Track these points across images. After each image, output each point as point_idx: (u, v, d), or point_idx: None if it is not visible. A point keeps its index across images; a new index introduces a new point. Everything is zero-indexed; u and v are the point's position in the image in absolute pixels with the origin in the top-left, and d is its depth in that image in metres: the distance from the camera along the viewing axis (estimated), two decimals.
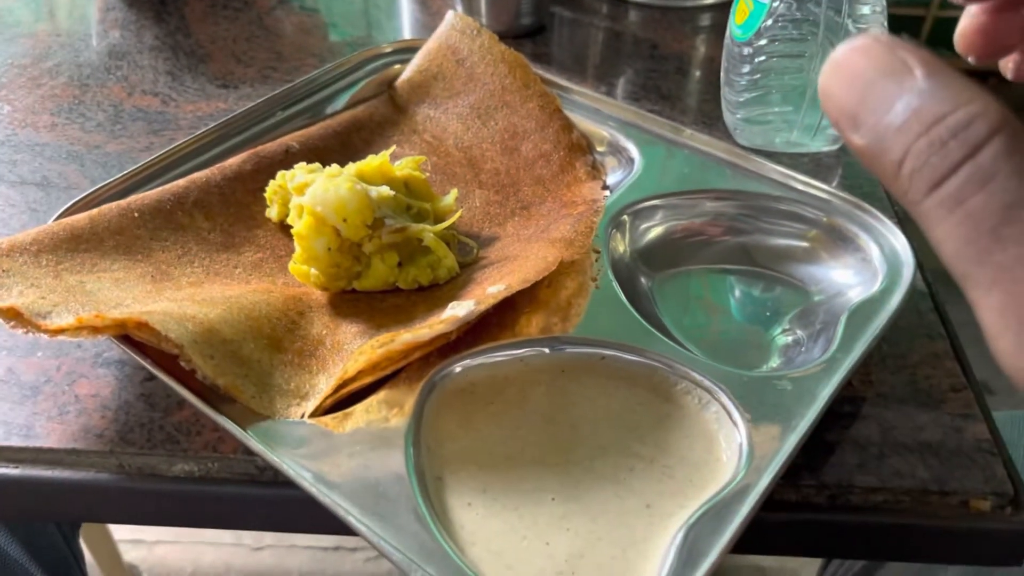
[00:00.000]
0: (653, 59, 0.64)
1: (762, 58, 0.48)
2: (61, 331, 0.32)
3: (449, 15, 0.52)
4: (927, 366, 0.39)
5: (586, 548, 0.30)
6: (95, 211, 0.40)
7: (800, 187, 0.44)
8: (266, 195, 0.43)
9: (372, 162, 0.41)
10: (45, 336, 0.33)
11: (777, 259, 0.43)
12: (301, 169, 0.41)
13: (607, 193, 0.45)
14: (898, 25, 0.36)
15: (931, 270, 0.42)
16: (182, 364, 0.33)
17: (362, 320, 0.38)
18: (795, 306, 0.41)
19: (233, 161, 0.45)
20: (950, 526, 0.34)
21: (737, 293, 0.42)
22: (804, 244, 0.43)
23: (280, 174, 0.43)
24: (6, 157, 0.52)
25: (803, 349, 0.38)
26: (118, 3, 0.71)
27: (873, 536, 0.35)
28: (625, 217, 0.43)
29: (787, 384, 0.34)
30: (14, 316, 0.33)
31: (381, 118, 0.51)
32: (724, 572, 1.00)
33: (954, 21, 0.28)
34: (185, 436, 0.35)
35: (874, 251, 0.41)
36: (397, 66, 0.53)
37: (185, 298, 0.36)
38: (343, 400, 0.34)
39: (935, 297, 0.43)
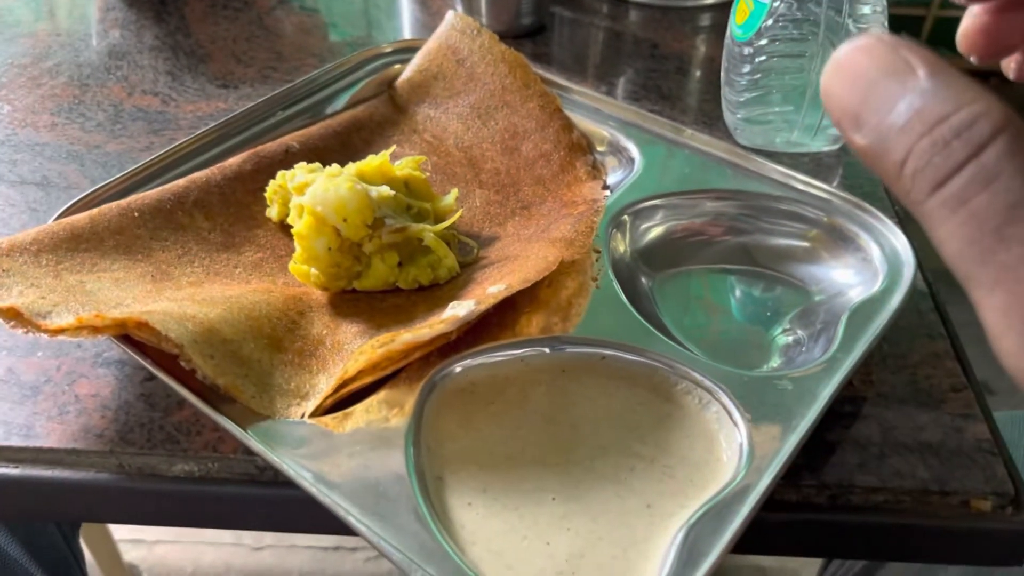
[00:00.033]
0: (653, 59, 0.64)
1: (763, 58, 0.48)
2: (61, 331, 0.32)
3: (449, 15, 0.52)
4: (928, 366, 0.39)
5: (587, 548, 0.30)
6: (95, 211, 0.40)
7: (800, 187, 0.44)
8: (266, 195, 0.43)
9: (372, 162, 0.41)
10: (45, 336, 0.33)
11: (778, 259, 0.43)
12: (301, 169, 0.41)
13: (607, 193, 0.45)
14: (899, 25, 0.36)
15: (932, 270, 0.42)
16: (182, 364, 0.33)
17: (362, 320, 0.38)
18: (796, 306, 0.41)
19: (233, 161, 0.45)
20: (951, 526, 0.34)
21: (738, 293, 0.42)
22: (805, 244, 0.43)
23: (280, 174, 0.43)
24: (6, 157, 0.52)
25: (804, 349, 0.38)
26: (118, 3, 0.70)
27: (873, 536, 0.35)
28: (625, 217, 0.43)
29: (788, 384, 0.34)
30: (14, 316, 0.33)
31: (381, 118, 0.51)
32: (724, 572, 1.00)
33: (954, 21, 0.28)
34: (185, 436, 0.35)
35: (875, 251, 0.41)
36: (397, 66, 0.53)
37: (185, 298, 0.36)
38: (343, 400, 0.34)
39: (936, 297, 0.43)
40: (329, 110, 0.51)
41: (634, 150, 0.47)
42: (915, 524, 0.34)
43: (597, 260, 0.40)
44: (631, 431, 0.34)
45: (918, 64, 0.16)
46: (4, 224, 0.46)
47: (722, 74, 0.52)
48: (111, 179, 0.43)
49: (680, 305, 0.41)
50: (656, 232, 0.44)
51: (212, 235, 0.42)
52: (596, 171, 0.47)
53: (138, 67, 0.62)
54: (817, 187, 0.43)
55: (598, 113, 0.50)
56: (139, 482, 0.35)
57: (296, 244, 0.38)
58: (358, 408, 0.33)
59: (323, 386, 0.35)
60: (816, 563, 0.67)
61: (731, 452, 0.33)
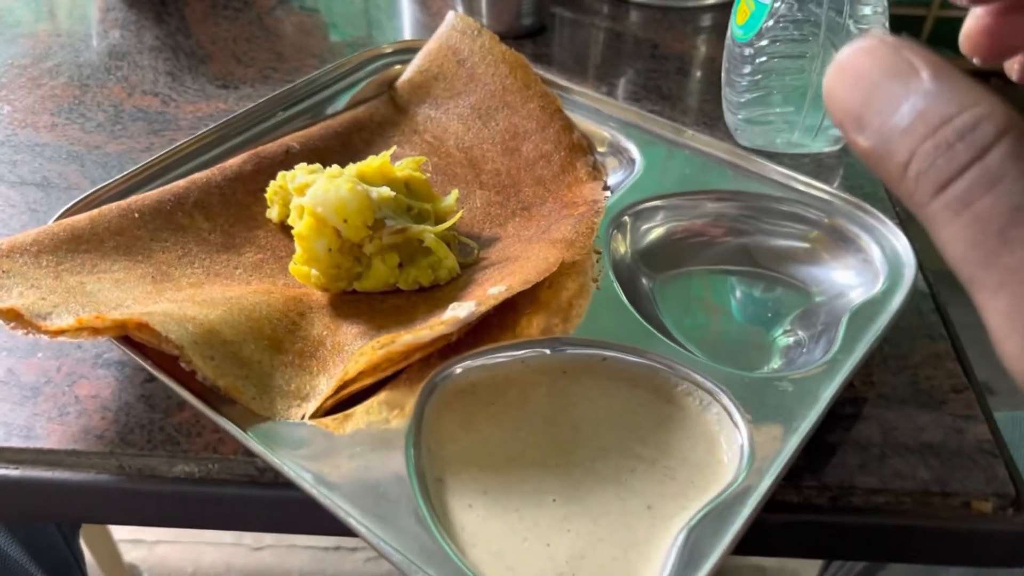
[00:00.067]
0: (654, 59, 0.64)
1: (763, 59, 0.48)
2: (61, 332, 0.32)
3: (450, 15, 0.52)
4: (928, 367, 0.39)
5: (587, 549, 0.30)
6: (95, 212, 0.40)
7: (801, 188, 0.44)
8: (267, 196, 0.43)
9: (373, 163, 0.41)
10: (45, 337, 0.33)
11: (778, 260, 0.43)
12: (302, 170, 0.41)
13: (608, 194, 0.45)
14: (899, 25, 0.36)
15: (932, 271, 0.42)
16: (182, 365, 0.33)
17: (363, 321, 0.38)
18: (796, 307, 0.41)
19: (234, 162, 0.45)
20: (951, 527, 0.34)
21: (738, 294, 0.42)
22: (805, 245, 0.43)
23: (281, 175, 0.43)
24: (6, 157, 0.52)
25: (804, 350, 0.38)
26: (118, 3, 0.70)
27: (874, 537, 0.35)
28: (626, 218, 0.43)
29: (788, 385, 0.34)
30: (14, 317, 0.33)
31: (382, 119, 0.51)
32: (725, 573, 1.00)
33: (955, 21, 0.28)
34: (185, 437, 0.35)
35: (875, 252, 0.41)
36: (398, 66, 0.53)
37: (185, 299, 0.36)
38: (344, 401, 0.34)
39: (936, 298, 0.43)
40: (329, 111, 0.51)
41: (635, 151, 0.47)
42: (916, 525, 0.34)
43: (598, 261, 0.40)
44: (632, 432, 0.34)
45: (921, 65, 0.16)
46: (4, 225, 0.46)
47: (723, 75, 0.52)
48: (111, 180, 0.43)
49: (681, 306, 0.41)
50: (657, 233, 0.44)
51: (212, 236, 0.42)
52: (597, 172, 0.47)
53: (138, 67, 0.61)
54: (818, 188, 0.43)
55: (599, 114, 0.50)
56: (139, 483, 0.35)
57: (296, 245, 0.38)
58: (358, 409, 0.33)
59: (323, 387, 0.34)
60: (816, 564, 0.67)
61: (732, 453, 0.32)
